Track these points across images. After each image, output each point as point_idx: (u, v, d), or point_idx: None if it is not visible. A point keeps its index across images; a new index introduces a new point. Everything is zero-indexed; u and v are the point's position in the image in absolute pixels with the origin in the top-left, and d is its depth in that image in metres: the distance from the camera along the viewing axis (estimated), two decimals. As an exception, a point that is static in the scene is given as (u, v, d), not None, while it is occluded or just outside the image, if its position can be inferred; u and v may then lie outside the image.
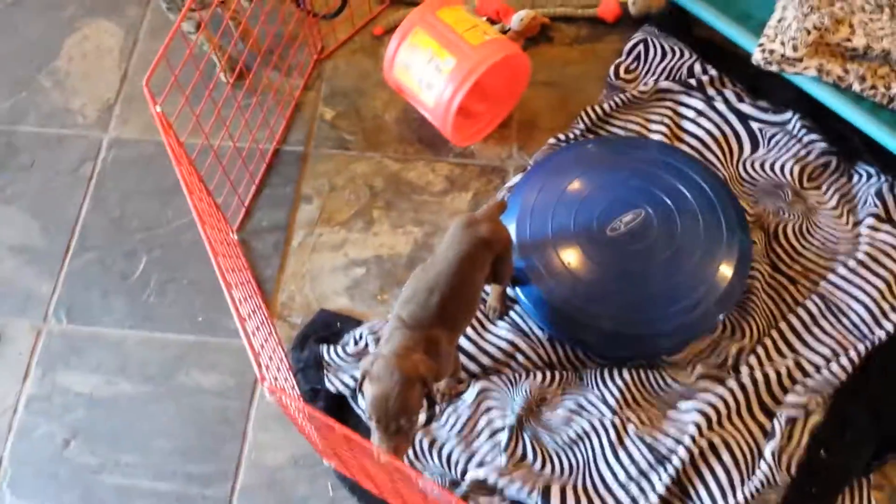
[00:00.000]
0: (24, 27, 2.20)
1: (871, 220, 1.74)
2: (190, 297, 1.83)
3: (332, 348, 1.69)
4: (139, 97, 2.07)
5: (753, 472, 1.50)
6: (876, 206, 1.76)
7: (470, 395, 1.62)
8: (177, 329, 1.80)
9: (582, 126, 1.92)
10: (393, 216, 1.89)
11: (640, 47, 2.02)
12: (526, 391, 1.59)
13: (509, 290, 1.71)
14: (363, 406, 1.34)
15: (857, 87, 1.75)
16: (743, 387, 1.56)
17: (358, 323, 1.75)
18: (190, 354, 1.77)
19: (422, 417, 1.59)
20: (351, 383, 1.64)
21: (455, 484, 1.55)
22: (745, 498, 1.48)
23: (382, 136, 1.99)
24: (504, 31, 2.07)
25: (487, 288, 1.72)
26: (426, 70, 1.81)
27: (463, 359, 1.65)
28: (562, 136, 1.91)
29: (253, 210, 1.92)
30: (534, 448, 1.56)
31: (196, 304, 1.82)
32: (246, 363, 1.74)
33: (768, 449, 1.51)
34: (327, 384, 1.65)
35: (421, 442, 1.59)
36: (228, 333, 1.78)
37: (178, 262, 1.87)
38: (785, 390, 1.58)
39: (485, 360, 1.66)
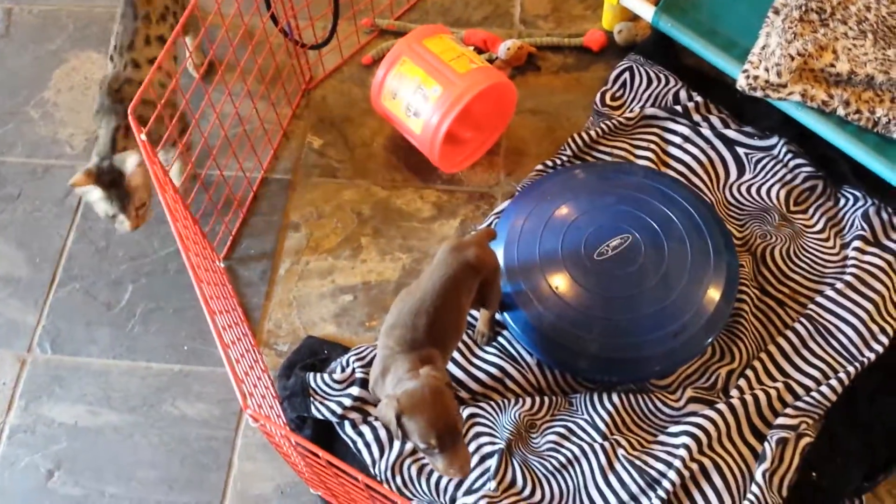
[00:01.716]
0: (12, 59, 2.21)
1: (858, 243, 1.74)
2: (175, 326, 1.81)
3: (318, 376, 1.67)
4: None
5: (745, 495, 1.48)
6: (863, 228, 1.76)
7: (458, 421, 1.60)
8: (161, 359, 1.78)
9: (569, 152, 1.93)
10: (381, 243, 1.88)
11: (626, 75, 2.04)
12: (515, 416, 1.57)
13: (497, 316, 1.70)
14: (415, 441, 1.29)
15: (841, 111, 1.76)
16: (733, 409, 1.55)
17: (345, 350, 1.73)
18: (175, 384, 1.75)
19: (409, 444, 1.58)
20: (338, 410, 1.62)
21: (444, 512, 1.53)
22: (738, 522, 1.46)
23: (370, 163, 1.99)
24: (491, 61, 2.09)
25: (476, 314, 1.71)
26: (413, 98, 1.82)
27: (451, 385, 1.64)
28: (549, 163, 1.92)
29: (240, 238, 1.92)
30: (523, 474, 1.53)
31: (181, 333, 1.80)
32: (231, 392, 1.72)
33: (759, 471, 1.49)
34: (314, 411, 1.63)
35: (409, 469, 1.57)
36: (214, 362, 1.76)
37: (164, 292, 1.85)
38: (775, 413, 1.56)
39: (473, 386, 1.65)
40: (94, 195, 1.68)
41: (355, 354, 1.69)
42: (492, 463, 1.54)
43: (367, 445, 1.61)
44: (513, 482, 1.54)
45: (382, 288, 1.83)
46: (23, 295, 1.86)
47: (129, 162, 1.67)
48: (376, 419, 1.62)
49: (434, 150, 1.83)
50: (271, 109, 2.04)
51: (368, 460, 1.60)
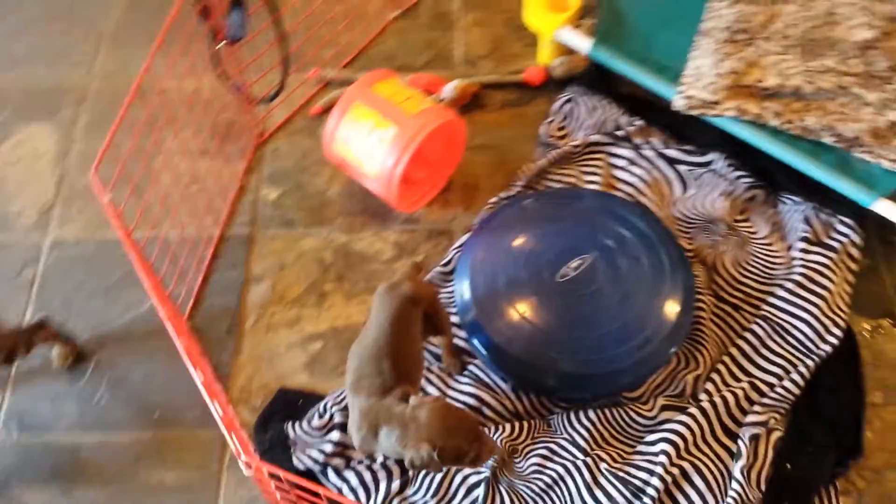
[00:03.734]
0: (-44, 138, 2.19)
1: (802, 244, 1.82)
2: (144, 393, 1.78)
3: (297, 424, 1.66)
4: (78, 197, 2.07)
5: (726, 493, 1.53)
6: (805, 231, 1.85)
7: (441, 454, 1.61)
8: (133, 427, 1.74)
9: (521, 183, 1.98)
10: (345, 287, 1.90)
11: (568, 106, 2.12)
12: (496, 444, 1.59)
13: (465, 345, 1.73)
14: (461, 463, 1.33)
15: (773, 122, 1.86)
16: (704, 412, 1.60)
17: (320, 398, 1.73)
18: (149, 452, 1.71)
19: (395, 484, 1.58)
20: (320, 458, 1.62)
21: (435, 547, 1.53)
22: (723, 520, 1.50)
23: (328, 211, 2.02)
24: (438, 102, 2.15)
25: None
26: (368, 141, 1.86)
27: (430, 419, 1.65)
28: (503, 195, 1.97)
29: (202, 297, 1.91)
30: (511, 499, 1.55)
31: (151, 399, 1.78)
32: (208, 455, 1.69)
33: (737, 468, 1.53)
34: (295, 461, 1.63)
35: (397, 507, 1.57)
36: (186, 426, 1.73)
37: (130, 359, 1.83)
38: (744, 411, 1.62)
39: (452, 418, 1.66)
40: None
41: (332, 399, 1.70)
42: (479, 493, 1.55)
43: (353, 490, 1.60)
44: (501, 508, 1.55)
45: (352, 331, 1.84)
46: (-16, 375, 1.83)
47: None
48: (359, 462, 1.62)
49: (391, 190, 1.87)
50: (226, 165, 2.05)
51: (355, 504, 1.59)
